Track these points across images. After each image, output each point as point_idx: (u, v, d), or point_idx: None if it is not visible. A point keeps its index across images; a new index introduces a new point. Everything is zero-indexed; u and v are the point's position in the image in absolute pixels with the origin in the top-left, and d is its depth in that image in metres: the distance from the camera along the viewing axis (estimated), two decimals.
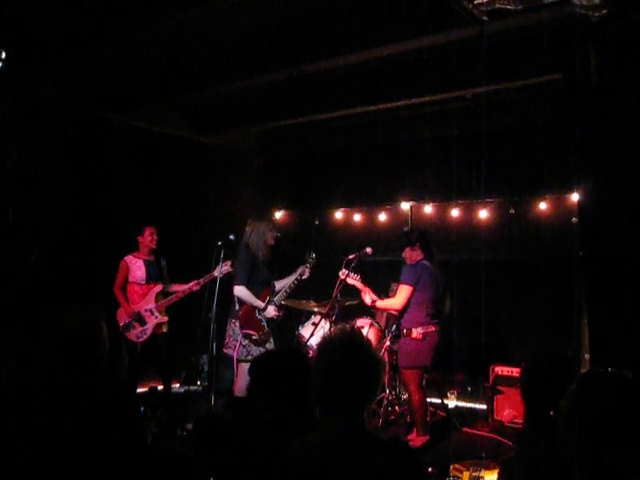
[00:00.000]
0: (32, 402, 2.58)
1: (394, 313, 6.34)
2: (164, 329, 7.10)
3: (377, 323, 7.09)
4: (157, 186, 8.24)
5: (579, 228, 6.59)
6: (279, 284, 6.41)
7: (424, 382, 6.31)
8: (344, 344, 2.42)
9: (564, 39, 5.61)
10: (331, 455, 2.29)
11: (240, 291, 6.06)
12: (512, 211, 7.84)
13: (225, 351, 6.16)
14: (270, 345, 6.18)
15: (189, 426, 5.86)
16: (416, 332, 5.97)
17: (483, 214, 7.99)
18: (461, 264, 7.69)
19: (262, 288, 6.17)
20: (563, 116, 6.45)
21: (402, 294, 6.06)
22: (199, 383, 8.72)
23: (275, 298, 6.25)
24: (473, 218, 8.12)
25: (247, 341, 6.02)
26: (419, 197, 8.48)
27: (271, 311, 6.16)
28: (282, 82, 6.92)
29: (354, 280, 6.44)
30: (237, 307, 6.13)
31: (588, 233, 6.04)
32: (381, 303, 6.34)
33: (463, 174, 7.12)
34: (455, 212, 8.29)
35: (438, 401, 7.14)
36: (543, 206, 7.68)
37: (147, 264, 7.07)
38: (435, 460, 5.22)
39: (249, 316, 6.11)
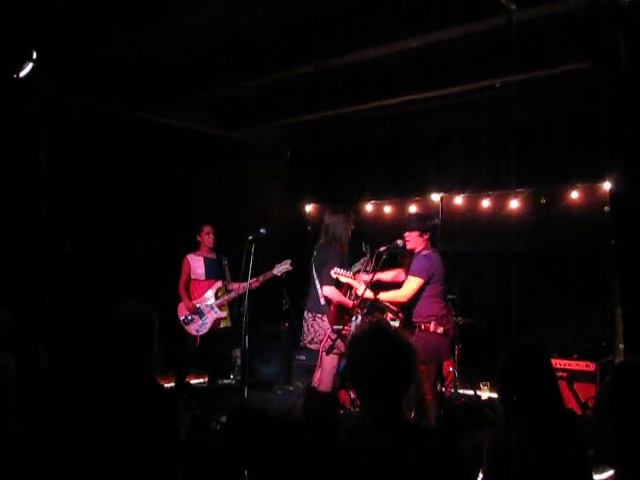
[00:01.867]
0: (32, 402, 2.62)
1: (400, 302, 6.07)
2: (223, 324, 7.23)
3: None
4: (185, 182, 8.31)
5: (611, 217, 6.52)
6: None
7: (456, 374, 6.27)
8: (370, 332, 2.47)
9: (593, 26, 5.54)
10: (365, 441, 2.32)
11: (331, 292, 5.96)
12: (543, 201, 7.77)
13: (309, 346, 6.13)
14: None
15: (223, 419, 5.92)
16: (434, 326, 5.74)
17: (514, 204, 7.93)
18: (493, 254, 7.64)
19: (342, 285, 6.14)
20: (593, 104, 6.38)
21: (411, 285, 5.71)
22: (232, 377, 8.78)
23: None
24: (504, 208, 8.06)
25: (335, 335, 6.01)
26: (449, 188, 8.43)
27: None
28: (309, 76, 6.90)
29: (346, 277, 6.00)
30: (324, 302, 6.06)
31: (621, 222, 5.97)
32: (385, 295, 5.92)
33: (493, 164, 7.10)
34: (486, 203, 8.24)
35: (471, 393, 7.11)
36: (575, 195, 7.59)
37: (207, 261, 7.29)
38: (469, 452, 5.21)
39: (337, 312, 6.10)
